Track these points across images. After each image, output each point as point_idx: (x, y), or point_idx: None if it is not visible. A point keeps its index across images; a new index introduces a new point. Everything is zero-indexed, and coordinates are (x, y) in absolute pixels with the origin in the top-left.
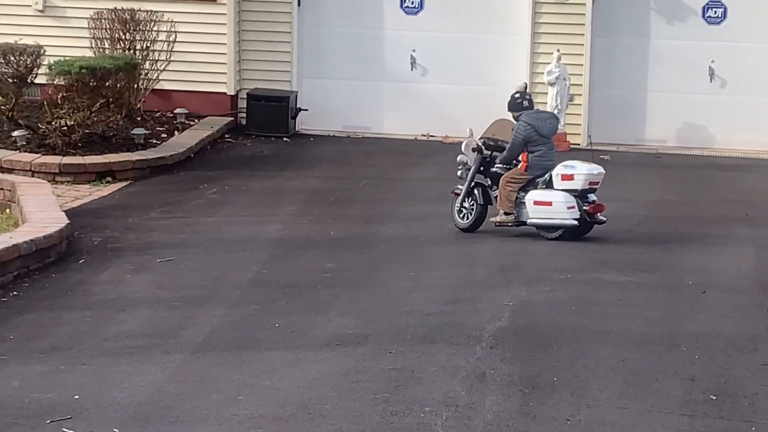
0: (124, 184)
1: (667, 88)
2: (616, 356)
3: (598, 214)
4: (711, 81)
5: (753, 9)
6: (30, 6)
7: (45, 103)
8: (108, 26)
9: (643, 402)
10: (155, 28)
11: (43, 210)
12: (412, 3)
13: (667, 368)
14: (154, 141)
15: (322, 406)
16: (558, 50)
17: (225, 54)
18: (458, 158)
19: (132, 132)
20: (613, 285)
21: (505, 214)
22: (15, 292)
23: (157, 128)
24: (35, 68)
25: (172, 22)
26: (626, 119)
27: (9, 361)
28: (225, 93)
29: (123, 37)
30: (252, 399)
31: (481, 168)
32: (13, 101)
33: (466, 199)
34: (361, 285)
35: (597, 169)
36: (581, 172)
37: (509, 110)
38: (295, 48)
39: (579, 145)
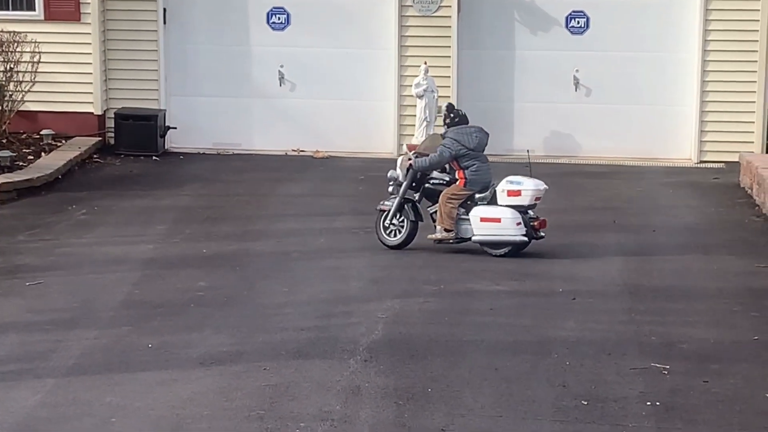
0: None
1: (534, 98)
2: (489, 365)
3: (541, 230)
4: (576, 90)
5: (615, 18)
6: None
7: None
8: None
9: (516, 410)
10: (18, 49)
11: None
12: (279, 19)
13: (539, 375)
14: (21, 163)
15: (196, 425)
16: (425, 63)
17: (91, 73)
18: (389, 174)
19: None
20: (485, 294)
21: (446, 230)
22: None
23: (24, 150)
24: None
25: (35, 42)
26: (495, 130)
27: None
28: (92, 113)
29: None
30: (125, 421)
31: (413, 184)
32: None
33: (396, 216)
34: (235, 302)
35: (542, 185)
36: (528, 187)
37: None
38: (162, 66)
39: None
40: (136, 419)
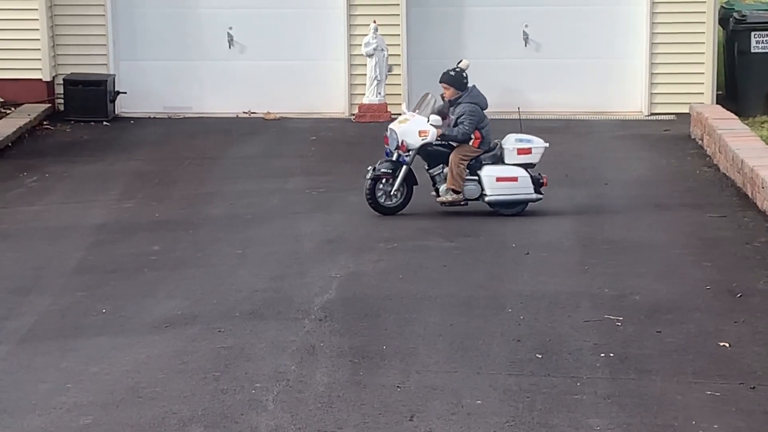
0: None
1: (484, 54)
2: (443, 321)
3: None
4: (526, 45)
5: None
6: None
7: None
8: None
9: (471, 365)
10: None
11: None
12: None
13: (493, 330)
14: None
15: (152, 389)
16: (374, 21)
17: (39, 39)
18: (401, 140)
19: None
20: (439, 251)
21: (455, 192)
22: None
23: None
24: None
25: None
26: None
27: None
28: (41, 79)
29: None
30: (80, 386)
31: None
32: None
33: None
34: (188, 265)
35: (546, 143)
36: (539, 145)
37: (449, 84)
38: (110, 30)
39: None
40: (90, 384)
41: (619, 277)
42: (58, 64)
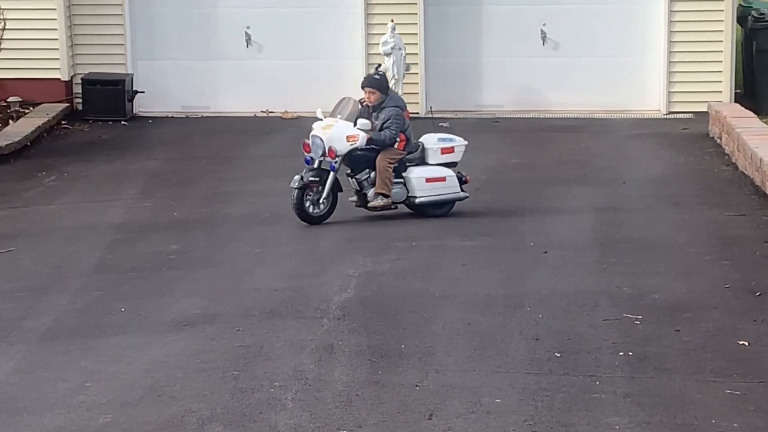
0: None
1: (502, 53)
2: (462, 320)
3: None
4: (544, 44)
5: None
6: None
7: None
8: None
9: (490, 363)
10: None
11: None
12: None
13: (512, 329)
14: None
15: (171, 387)
16: (392, 20)
17: (57, 39)
18: (329, 146)
19: None
20: (457, 250)
21: (385, 196)
22: None
23: None
24: None
25: (1, 9)
26: (463, 86)
27: None
28: (59, 79)
29: None
30: (99, 385)
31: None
32: None
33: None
34: (207, 265)
35: (465, 141)
36: (460, 143)
37: (376, 88)
38: (129, 30)
39: (418, 114)
40: (109, 383)
41: (638, 275)
42: (77, 64)
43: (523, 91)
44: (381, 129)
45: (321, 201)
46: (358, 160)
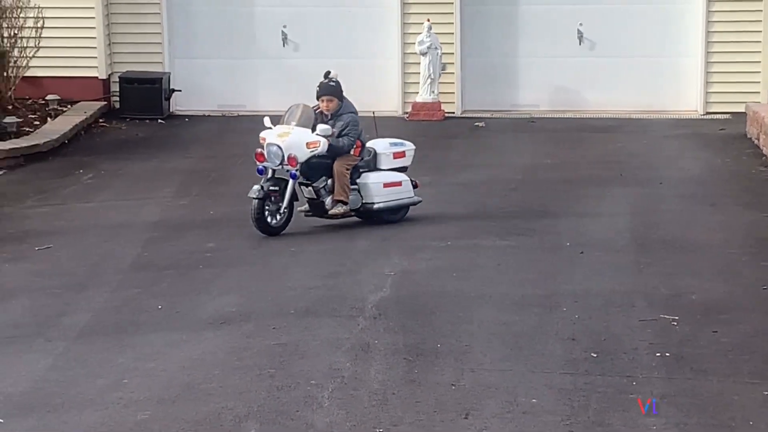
0: None
1: (538, 53)
2: (497, 320)
3: None
4: (580, 44)
5: None
6: None
7: None
8: None
9: (526, 363)
10: (22, 15)
11: None
12: None
13: (548, 329)
14: (27, 129)
15: (207, 385)
16: (428, 20)
17: (95, 38)
18: (289, 153)
19: (3, 121)
20: (492, 250)
21: (344, 203)
22: None
23: (30, 116)
24: None
25: (39, 7)
26: (499, 85)
27: None
28: (97, 77)
29: None
30: (136, 382)
31: None
32: None
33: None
34: (243, 263)
35: (413, 145)
36: (410, 147)
37: (333, 96)
38: (166, 28)
39: (454, 113)
40: (146, 380)
41: (675, 276)
42: (114, 62)
43: (559, 91)
44: (339, 136)
45: (282, 211)
46: (315, 167)
